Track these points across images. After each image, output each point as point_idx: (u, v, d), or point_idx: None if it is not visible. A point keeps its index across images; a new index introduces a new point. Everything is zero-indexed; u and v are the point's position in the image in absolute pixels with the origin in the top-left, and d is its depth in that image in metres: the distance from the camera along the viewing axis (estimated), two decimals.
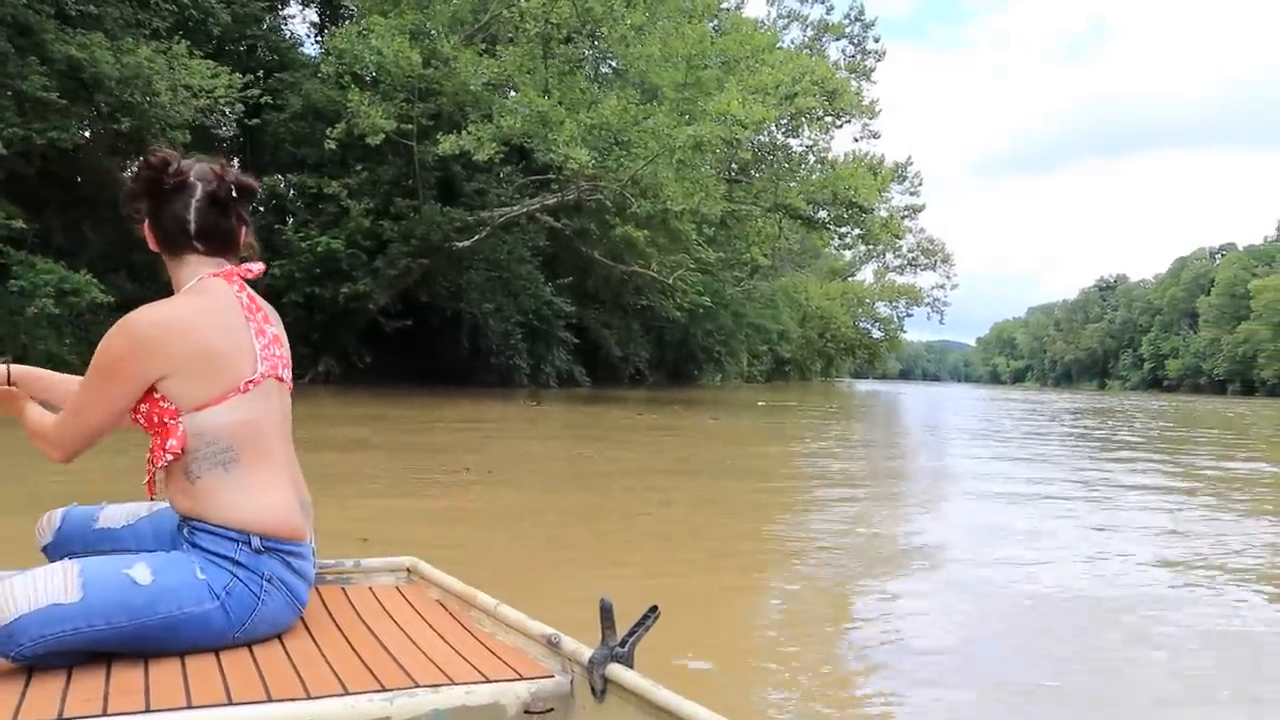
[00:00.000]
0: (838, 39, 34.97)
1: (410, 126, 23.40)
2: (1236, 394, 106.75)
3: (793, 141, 28.01)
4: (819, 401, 38.88)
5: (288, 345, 2.34)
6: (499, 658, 2.11)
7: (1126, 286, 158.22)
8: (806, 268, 64.93)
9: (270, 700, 1.78)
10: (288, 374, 2.30)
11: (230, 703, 1.76)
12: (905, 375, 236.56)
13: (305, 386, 24.23)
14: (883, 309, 76.07)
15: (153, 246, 2.26)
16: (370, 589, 2.67)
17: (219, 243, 2.24)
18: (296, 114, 26.23)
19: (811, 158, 28.84)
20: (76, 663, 1.92)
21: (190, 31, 21.84)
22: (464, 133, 21.31)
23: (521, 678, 1.98)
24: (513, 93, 21.66)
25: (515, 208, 26.28)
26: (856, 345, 77.59)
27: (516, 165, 28.78)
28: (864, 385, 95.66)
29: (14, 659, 1.86)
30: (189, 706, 1.73)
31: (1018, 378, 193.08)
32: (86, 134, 19.85)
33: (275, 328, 2.29)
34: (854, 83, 30.81)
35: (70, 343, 21.01)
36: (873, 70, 34.89)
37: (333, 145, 22.31)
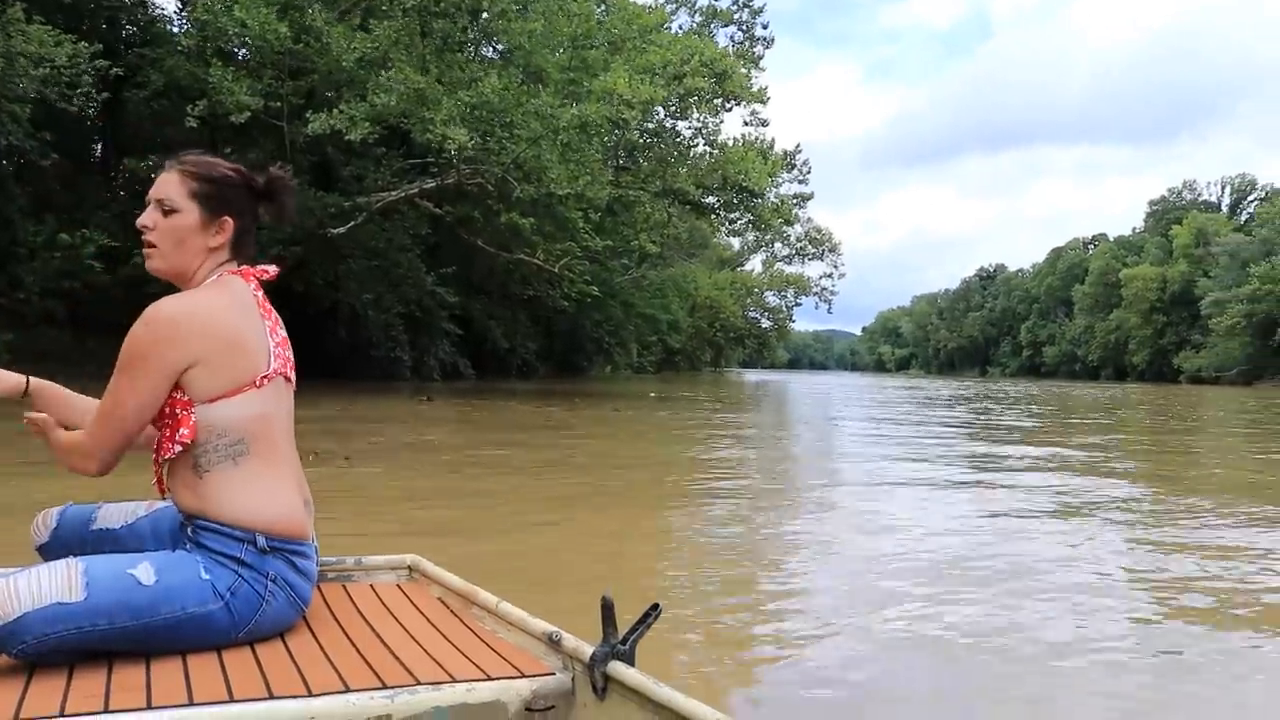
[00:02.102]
0: (726, 25, 34.43)
1: (279, 105, 22.09)
2: (1110, 379, 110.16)
3: (681, 125, 27.33)
4: (712, 392, 38.52)
5: (291, 349, 2.34)
6: (500, 655, 2.11)
7: (1006, 276, 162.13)
8: (695, 257, 64.48)
9: (272, 697, 1.77)
10: (293, 376, 2.33)
11: (232, 700, 1.75)
12: (794, 364, 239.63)
13: None
14: (771, 299, 76.28)
15: (215, 239, 2.27)
16: (371, 586, 2.70)
17: (254, 242, 2.35)
18: (159, 91, 24.71)
19: (700, 141, 28.20)
20: (78, 660, 1.92)
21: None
22: (335, 111, 20.10)
23: (523, 675, 1.98)
24: (389, 70, 20.44)
25: (394, 193, 25.10)
26: (746, 335, 77.83)
27: (397, 149, 27.59)
28: (754, 375, 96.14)
29: (16, 656, 1.88)
30: (190, 704, 1.72)
31: (902, 365, 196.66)
32: None
33: (283, 331, 2.31)
34: (743, 69, 30.29)
35: None
36: (761, 58, 34.44)
37: (193, 124, 20.87)
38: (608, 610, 1.94)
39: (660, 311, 52.24)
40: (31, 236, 23.55)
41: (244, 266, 2.30)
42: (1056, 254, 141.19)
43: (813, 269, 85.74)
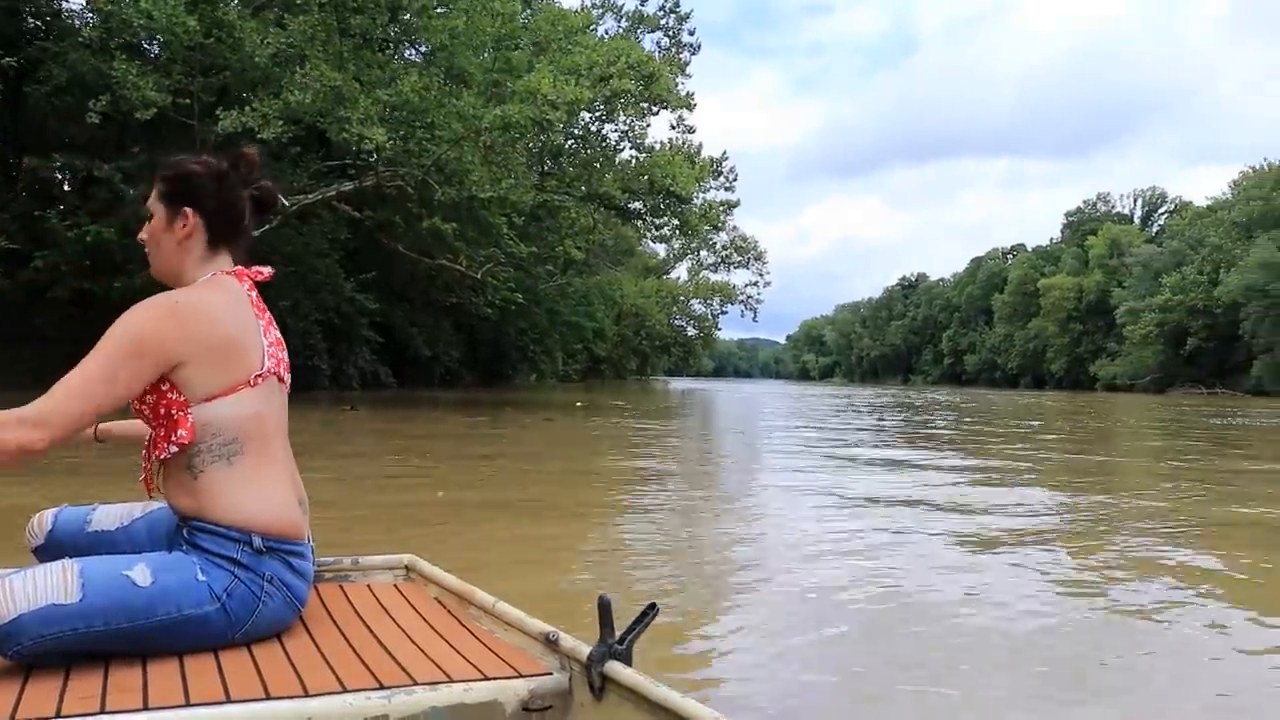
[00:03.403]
0: (652, 30, 34.09)
1: (189, 102, 21.22)
2: (1028, 387, 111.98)
3: (608, 128, 26.85)
4: (641, 401, 38.18)
5: (285, 349, 2.34)
6: (497, 655, 2.11)
7: (927, 285, 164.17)
8: (621, 265, 64.11)
9: (269, 698, 1.77)
10: (288, 377, 2.32)
11: (229, 700, 1.75)
12: (719, 372, 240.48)
13: None
14: (697, 307, 76.16)
15: (181, 233, 2.27)
16: (368, 587, 2.69)
17: (246, 244, 2.34)
18: (61, 87, 23.58)
19: (627, 146, 27.74)
20: (75, 661, 1.91)
21: None
22: (248, 109, 19.29)
23: (520, 675, 1.98)
24: (304, 68, 19.70)
25: (311, 195, 24.29)
26: (671, 343, 77.65)
27: (315, 152, 26.74)
28: (680, 383, 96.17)
29: (12, 657, 1.87)
30: (187, 704, 1.72)
31: (826, 374, 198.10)
32: None
33: (276, 331, 2.31)
34: (670, 74, 29.94)
35: None
36: (687, 64, 34.17)
37: (96, 119, 19.91)
38: (605, 610, 1.93)
39: (585, 319, 51.62)
40: None
41: (238, 267, 2.30)
42: (977, 263, 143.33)
43: (738, 277, 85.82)
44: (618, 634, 1.93)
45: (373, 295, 31.66)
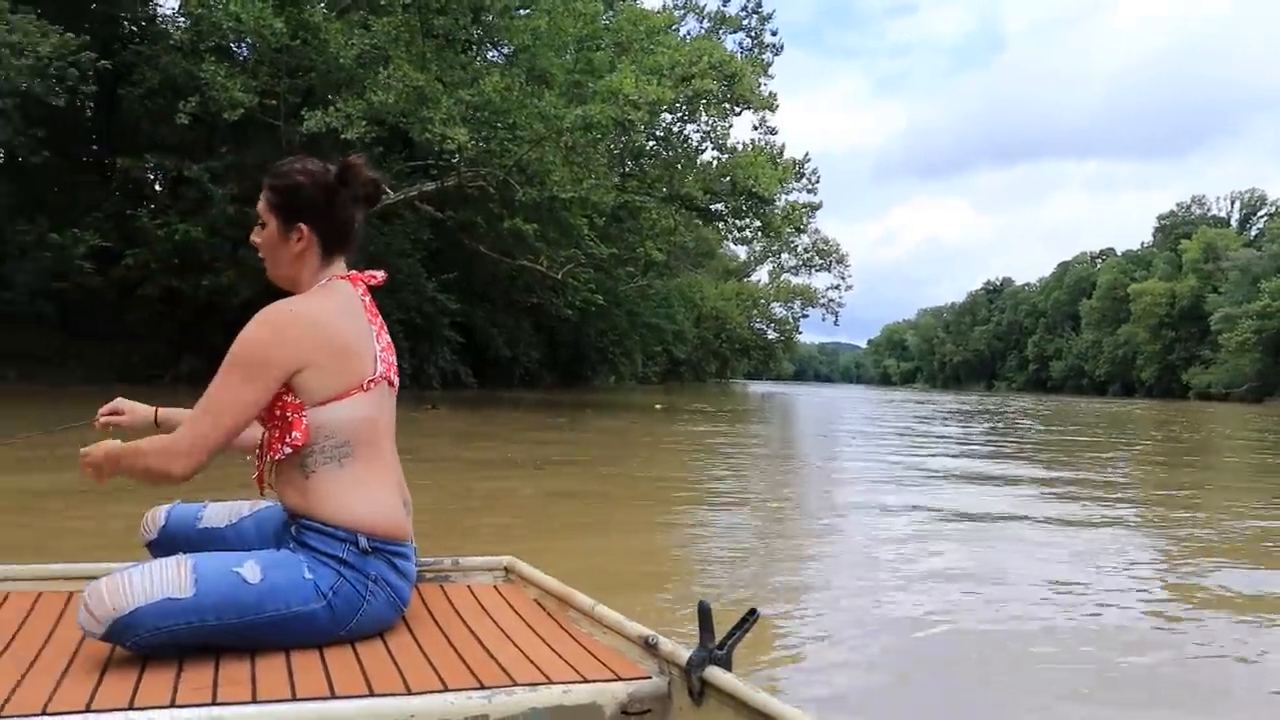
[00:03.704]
0: (735, 31, 33.89)
1: (275, 103, 21.47)
2: (1117, 395, 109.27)
3: (689, 128, 26.70)
4: (720, 403, 37.94)
5: (395, 353, 2.36)
6: (596, 658, 2.11)
7: (1013, 289, 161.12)
8: (702, 267, 63.81)
9: (372, 695, 1.81)
10: (397, 380, 2.36)
11: (334, 696, 1.79)
12: (799, 376, 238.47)
13: (165, 387, 22.19)
14: (778, 310, 75.41)
15: (296, 247, 2.30)
16: (469, 587, 2.73)
17: (356, 244, 2.37)
18: (154, 89, 24.04)
19: (709, 146, 27.55)
20: (187, 654, 1.96)
21: None
22: (332, 109, 19.46)
23: (619, 678, 1.98)
24: (388, 68, 19.81)
25: (394, 196, 24.46)
26: (752, 346, 76.80)
27: (399, 152, 26.93)
28: (759, 387, 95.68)
29: (130, 648, 1.94)
30: (294, 699, 1.76)
31: (908, 379, 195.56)
32: None
33: (388, 336, 2.35)
34: (752, 74, 29.69)
35: None
36: (770, 65, 33.91)
37: (185, 121, 20.24)
38: (704, 615, 1.94)
39: (666, 321, 51.35)
40: (21, 236, 22.94)
41: (352, 272, 2.34)
42: (1064, 268, 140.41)
43: (820, 280, 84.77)
44: (717, 639, 1.92)
45: (454, 295, 31.79)
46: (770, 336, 77.80)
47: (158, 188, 26.87)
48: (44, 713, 1.67)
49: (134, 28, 27.36)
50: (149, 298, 24.48)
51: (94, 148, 28.96)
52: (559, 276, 28.70)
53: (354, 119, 19.34)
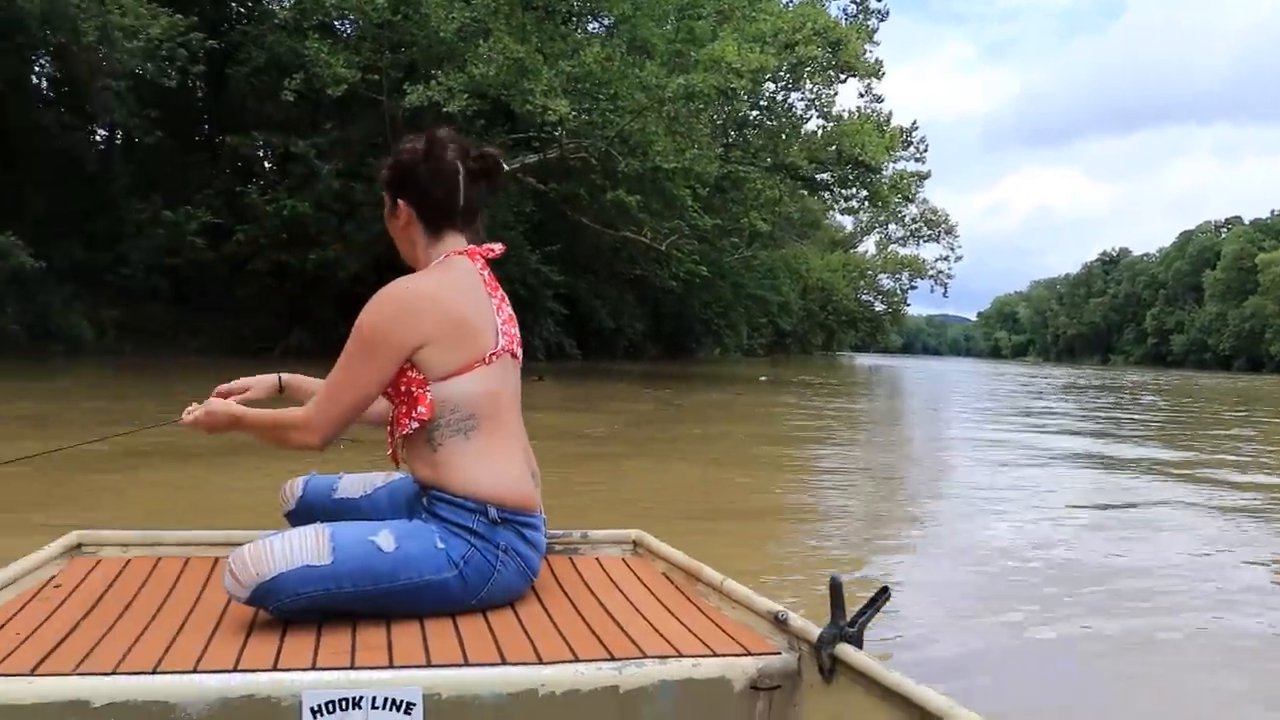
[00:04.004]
0: None
1: (377, 78, 21.58)
2: (1243, 370, 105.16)
3: (794, 96, 26.14)
4: (826, 376, 37.41)
5: (517, 325, 2.40)
6: (725, 632, 2.10)
7: (1130, 260, 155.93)
8: (807, 238, 62.97)
9: (505, 664, 1.84)
10: (520, 352, 2.38)
11: (467, 663, 1.84)
12: (906, 349, 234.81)
13: (274, 361, 22.60)
14: (885, 281, 74.04)
15: (401, 223, 2.35)
16: (597, 560, 2.76)
17: (471, 220, 2.37)
18: (260, 68, 24.40)
19: (814, 114, 26.95)
20: (326, 619, 2.03)
21: None
22: (434, 83, 19.46)
23: (749, 653, 1.96)
24: (488, 41, 19.72)
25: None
26: (858, 318, 75.55)
27: (501, 126, 26.94)
28: (866, 359, 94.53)
29: (273, 612, 2.02)
30: (428, 665, 1.82)
31: (1019, 352, 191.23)
32: None
33: (509, 308, 2.37)
34: (856, 41, 28.98)
35: (8, 311, 19.35)
36: (875, 31, 33.04)
37: (290, 98, 20.48)
38: (836, 591, 1.91)
39: (771, 293, 50.86)
40: (137, 214, 23.54)
41: (470, 247, 2.35)
42: (1186, 238, 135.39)
43: (928, 251, 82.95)
44: (848, 616, 1.90)
45: (557, 267, 31.76)
46: (877, 308, 76.46)
47: (266, 165, 27.29)
48: (195, 670, 1.75)
49: (241, 8, 27.82)
50: (258, 272, 24.93)
51: (205, 127, 29.58)
52: (662, 248, 28.44)
53: (455, 92, 19.32)
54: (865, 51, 27.52)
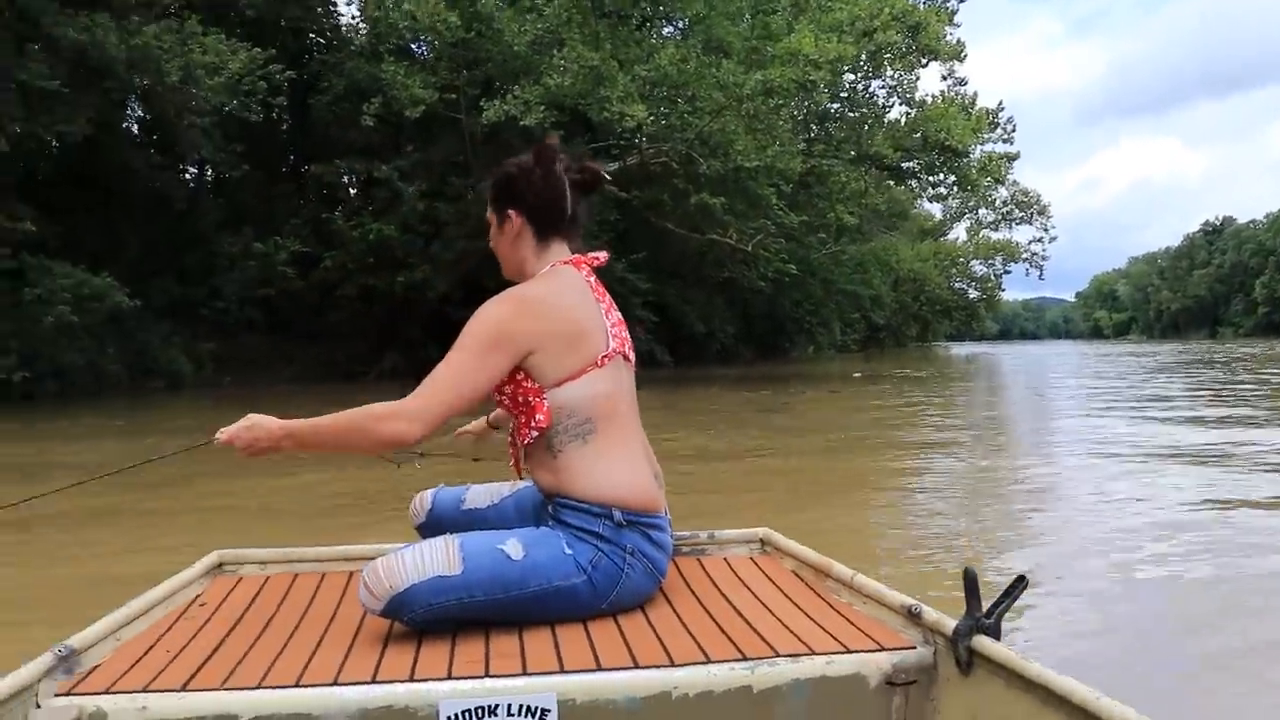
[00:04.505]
0: None
1: (455, 97, 21.61)
2: None
3: (875, 84, 25.64)
4: (921, 367, 36.66)
5: (627, 329, 2.40)
6: (858, 628, 2.08)
7: (1235, 229, 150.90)
8: (896, 229, 62.02)
9: (637, 667, 1.84)
10: (632, 355, 2.39)
11: (600, 669, 1.83)
12: (1004, 335, 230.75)
13: (370, 384, 22.78)
14: (978, 268, 72.42)
15: (511, 233, 2.36)
16: (725, 560, 2.75)
17: (576, 230, 2.39)
18: (340, 95, 24.67)
19: (896, 101, 26.43)
20: (460, 629, 2.07)
21: (219, 16, 20.33)
22: (509, 97, 19.41)
23: (883, 649, 1.94)
24: (562, 51, 19.63)
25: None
26: (953, 307, 74.02)
27: (581, 137, 26.85)
28: (962, 348, 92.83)
29: (407, 623, 2.07)
30: (561, 671, 1.82)
31: (1121, 331, 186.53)
32: (91, 122, 18.06)
33: (618, 313, 2.39)
34: (936, 23, 28.36)
35: (109, 351, 19.73)
36: (955, 12, 32.32)
37: (370, 122, 20.59)
38: (971, 582, 1.87)
39: (861, 287, 50.09)
40: (228, 247, 23.93)
41: (575, 256, 2.37)
42: None
43: (1021, 234, 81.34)
44: (984, 607, 1.86)
45: (644, 275, 31.52)
46: (971, 296, 74.83)
47: (351, 191, 27.56)
48: (335, 682, 1.79)
49: (319, 39, 28.15)
50: (348, 297, 25.17)
51: (290, 157, 30.02)
52: (749, 248, 28.09)
53: (532, 105, 19.26)
54: (946, 34, 26.92)
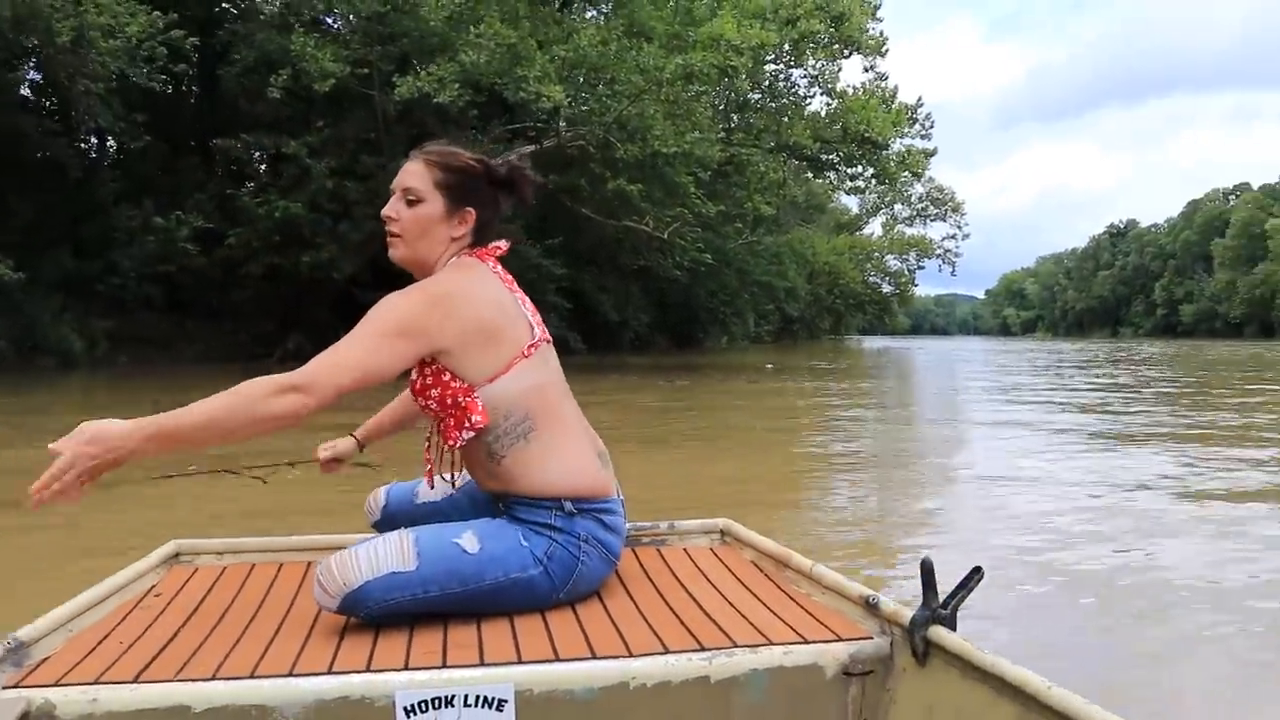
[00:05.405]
0: None
1: (368, 72, 20.97)
2: (1255, 336, 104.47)
3: (796, 74, 25.51)
4: (835, 361, 36.86)
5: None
6: (816, 619, 2.09)
7: (1138, 231, 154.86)
8: (812, 222, 62.35)
9: (595, 657, 1.84)
10: (550, 338, 2.32)
11: (557, 659, 1.83)
12: (915, 330, 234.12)
13: (274, 366, 22.02)
14: (893, 262, 73.34)
15: (449, 227, 2.27)
16: (685, 550, 2.74)
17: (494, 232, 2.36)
18: (250, 67, 23.80)
19: (817, 91, 26.34)
20: (417, 621, 2.04)
21: None
22: (424, 74, 18.86)
23: (840, 639, 1.95)
24: (479, 27, 19.11)
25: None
26: (866, 301, 74.86)
27: (499, 119, 26.33)
28: (874, 342, 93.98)
29: (363, 619, 2.02)
30: (519, 662, 1.82)
31: (1028, 328, 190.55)
32: None
33: (530, 302, 2.34)
34: (859, 15, 28.35)
35: None
36: (878, 8, 32.42)
37: (277, 94, 19.89)
38: (928, 573, 1.86)
39: (777, 279, 50.20)
40: (127, 221, 23.00)
41: (477, 248, 2.31)
42: (1194, 206, 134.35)
43: (935, 230, 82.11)
44: (940, 597, 1.87)
45: (559, 260, 31.08)
46: (885, 290, 75.80)
47: (260, 167, 26.71)
48: (291, 673, 1.76)
49: (231, 8, 27.19)
50: (253, 276, 24.37)
51: (198, 130, 29.00)
52: (665, 236, 27.79)
53: (446, 82, 18.74)
54: (868, 27, 26.91)
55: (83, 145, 25.50)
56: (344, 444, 2.69)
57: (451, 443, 2.17)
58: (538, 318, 2.27)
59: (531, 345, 2.18)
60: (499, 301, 2.19)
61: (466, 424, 2.12)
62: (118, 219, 23.22)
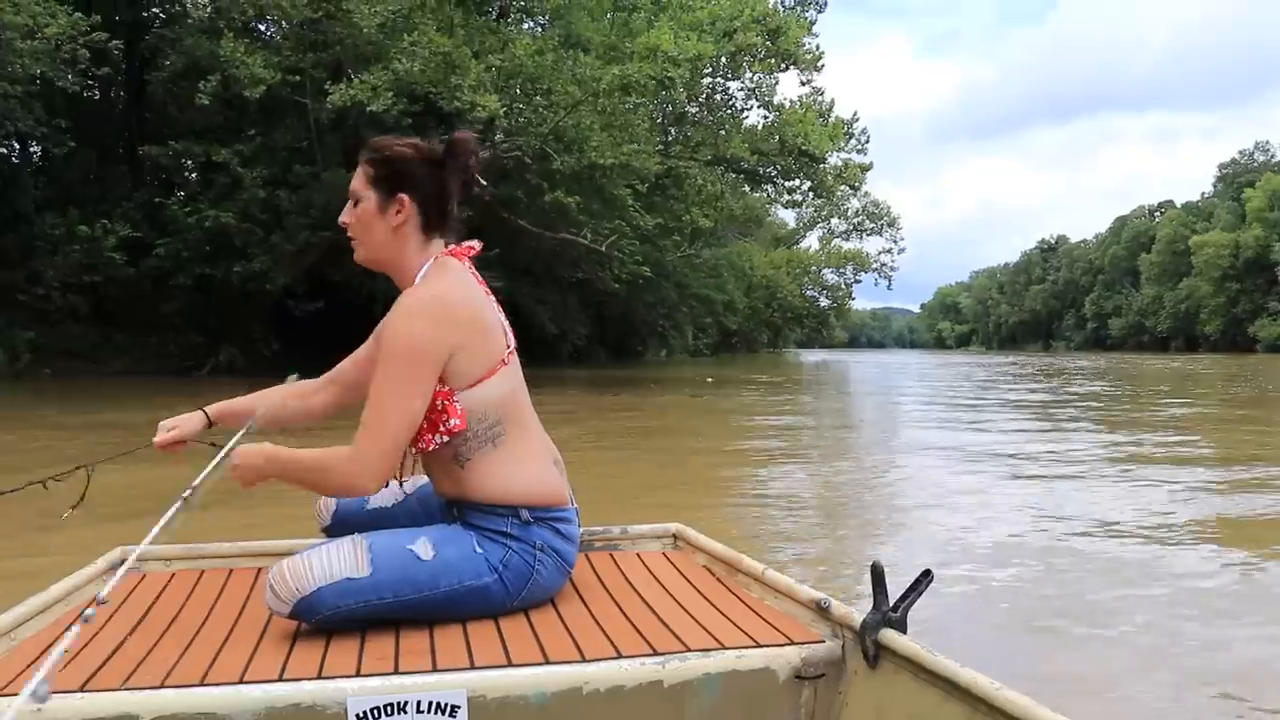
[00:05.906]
0: None
1: (300, 80, 20.63)
2: (1180, 350, 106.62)
3: (733, 86, 25.57)
4: (774, 373, 37.00)
5: None
6: (768, 622, 2.11)
7: (1068, 247, 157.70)
8: (750, 236, 62.59)
9: (548, 662, 1.85)
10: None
11: (511, 664, 1.84)
12: (852, 343, 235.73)
13: (203, 381, 21.57)
14: (830, 276, 73.97)
15: (396, 221, 2.21)
16: (638, 555, 2.76)
17: (455, 227, 2.31)
18: (179, 73, 23.32)
19: (755, 104, 26.40)
20: (370, 627, 2.03)
21: None
22: (357, 82, 18.59)
23: (792, 642, 1.97)
24: (412, 35, 18.89)
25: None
26: (804, 314, 75.41)
27: (435, 128, 26.03)
28: (812, 355, 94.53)
29: (315, 625, 2.01)
30: (472, 667, 1.83)
31: (962, 342, 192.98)
32: None
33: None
34: (796, 28, 28.50)
35: None
36: (814, 23, 32.64)
37: (207, 101, 19.48)
38: (878, 577, 1.89)
39: (715, 292, 50.36)
40: (50, 229, 22.40)
41: (452, 246, 2.28)
42: (1121, 223, 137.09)
43: (871, 245, 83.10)
44: (891, 601, 1.88)
45: (496, 273, 30.77)
46: (822, 304, 76.44)
47: (190, 175, 26.17)
48: (241, 681, 1.75)
49: (160, 12, 26.66)
50: (183, 287, 23.83)
51: (126, 137, 28.38)
52: (603, 249, 27.66)
53: (380, 91, 18.50)
54: (804, 43, 27.06)
55: (3, 150, 24.83)
56: (190, 421, 2.49)
57: (424, 446, 2.13)
58: (507, 323, 2.28)
59: (510, 351, 2.21)
60: (481, 304, 2.18)
61: (442, 428, 2.10)
62: (40, 227, 22.63)
